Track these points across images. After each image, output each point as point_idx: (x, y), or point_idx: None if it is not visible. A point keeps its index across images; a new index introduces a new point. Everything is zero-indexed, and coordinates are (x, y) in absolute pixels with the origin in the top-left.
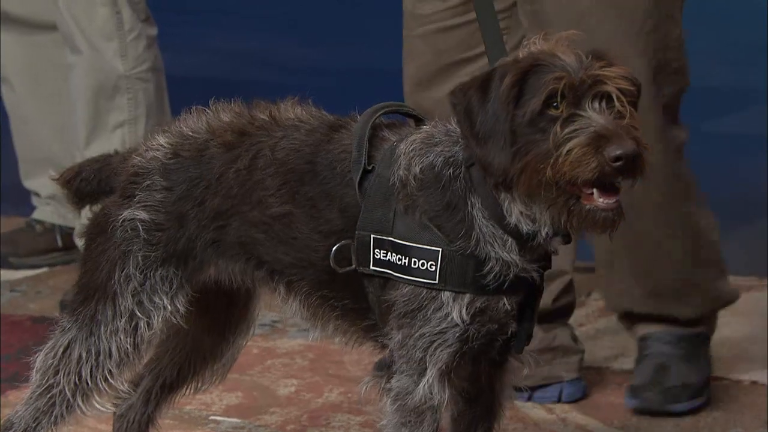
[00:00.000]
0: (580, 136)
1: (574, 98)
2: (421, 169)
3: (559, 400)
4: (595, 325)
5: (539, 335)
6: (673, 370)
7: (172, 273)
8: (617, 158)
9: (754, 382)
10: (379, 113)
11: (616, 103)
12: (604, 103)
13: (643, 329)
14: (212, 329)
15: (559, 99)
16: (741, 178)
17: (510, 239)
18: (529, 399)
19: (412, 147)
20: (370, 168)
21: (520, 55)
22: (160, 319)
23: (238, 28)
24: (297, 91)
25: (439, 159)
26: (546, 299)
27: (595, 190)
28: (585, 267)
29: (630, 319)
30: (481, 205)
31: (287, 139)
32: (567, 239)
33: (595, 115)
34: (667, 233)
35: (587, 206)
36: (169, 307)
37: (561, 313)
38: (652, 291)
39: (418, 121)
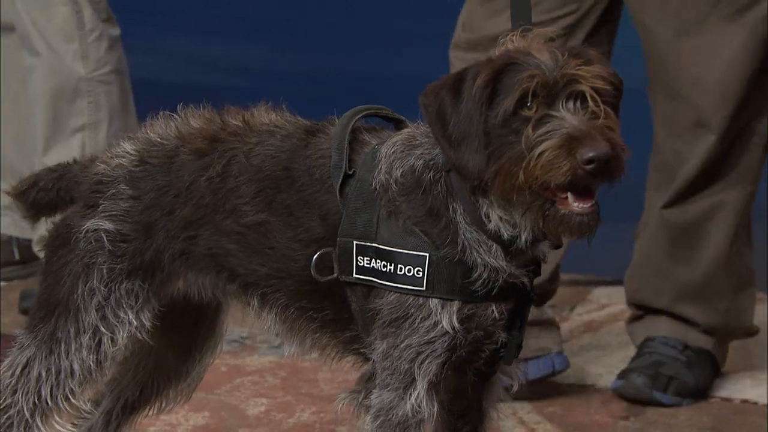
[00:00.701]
0: (552, 138)
1: (548, 98)
2: (402, 173)
3: (553, 369)
4: (579, 341)
5: None
6: (670, 365)
7: (138, 286)
8: (590, 161)
9: (744, 401)
10: (359, 116)
11: (590, 103)
12: (578, 103)
13: (650, 329)
14: (177, 346)
15: (530, 98)
16: None
17: (494, 245)
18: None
19: (392, 150)
20: (351, 172)
21: (495, 54)
22: (125, 335)
23: (207, 30)
24: (269, 96)
25: (420, 162)
26: (543, 276)
27: (569, 194)
28: (570, 280)
29: (642, 312)
30: (463, 210)
31: (262, 144)
32: (556, 244)
33: (568, 116)
34: (711, 239)
35: (562, 211)
36: (134, 321)
37: (547, 296)
38: (676, 290)
39: (399, 123)
